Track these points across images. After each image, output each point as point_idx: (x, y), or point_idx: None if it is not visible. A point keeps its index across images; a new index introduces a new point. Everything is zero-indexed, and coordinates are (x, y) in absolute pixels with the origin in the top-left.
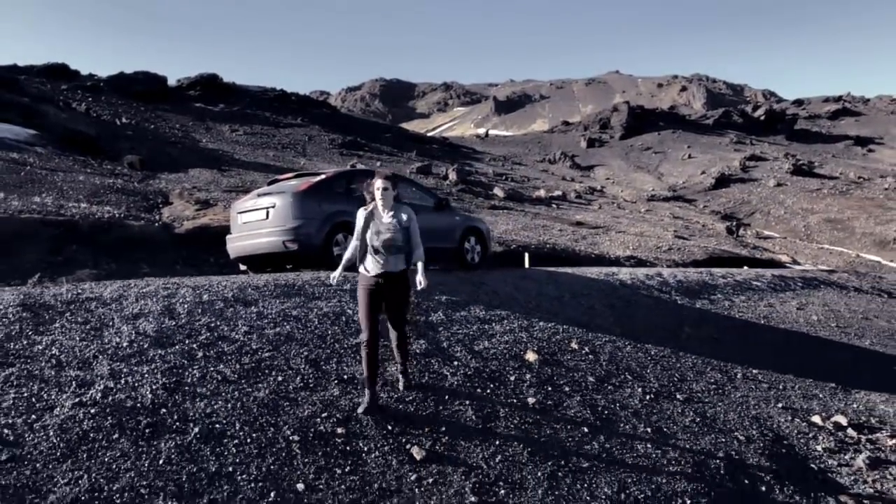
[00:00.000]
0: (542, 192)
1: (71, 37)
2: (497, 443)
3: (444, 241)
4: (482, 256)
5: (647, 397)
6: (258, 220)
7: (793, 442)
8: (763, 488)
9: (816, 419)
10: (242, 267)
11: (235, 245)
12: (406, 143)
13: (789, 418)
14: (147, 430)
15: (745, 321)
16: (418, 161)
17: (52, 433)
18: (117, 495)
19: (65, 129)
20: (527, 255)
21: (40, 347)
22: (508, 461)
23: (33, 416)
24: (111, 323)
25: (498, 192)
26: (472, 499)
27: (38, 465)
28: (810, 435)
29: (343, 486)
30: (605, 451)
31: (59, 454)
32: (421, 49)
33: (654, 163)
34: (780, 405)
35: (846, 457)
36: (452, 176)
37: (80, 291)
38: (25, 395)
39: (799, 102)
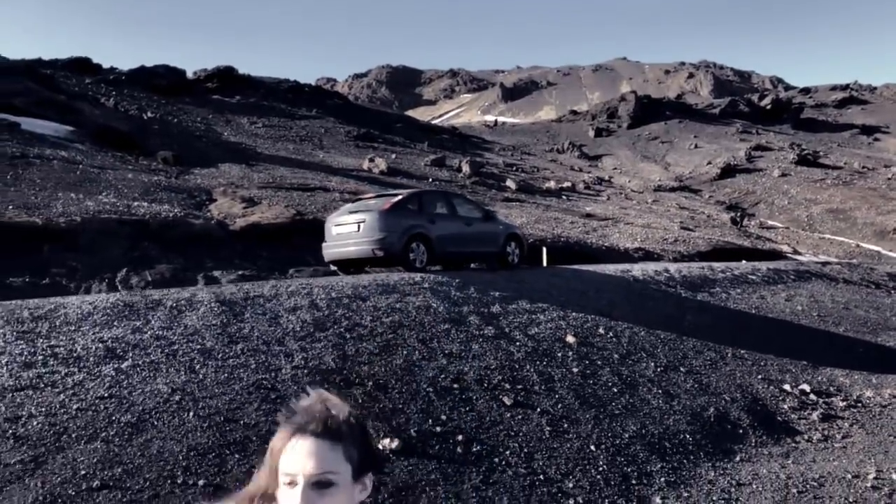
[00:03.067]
0: (552, 184)
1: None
2: (557, 396)
3: (491, 245)
4: (520, 257)
5: (659, 369)
6: (351, 231)
7: (766, 402)
8: (741, 431)
9: (787, 387)
10: (333, 268)
11: (331, 251)
12: (417, 134)
13: (766, 386)
14: (341, 383)
15: (738, 311)
16: (431, 153)
17: (287, 383)
18: None
19: (99, 125)
20: (545, 250)
21: (246, 331)
22: (567, 407)
23: (272, 374)
24: (280, 314)
25: (510, 184)
26: (548, 429)
27: (288, 396)
28: (780, 398)
29: (468, 419)
30: (629, 405)
31: (300, 391)
32: (427, 35)
33: (660, 153)
34: (759, 377)
35: (805, 413)
36: (466, 168)
37: (247, 290)
38: (260, 361)
39: (806, 91)
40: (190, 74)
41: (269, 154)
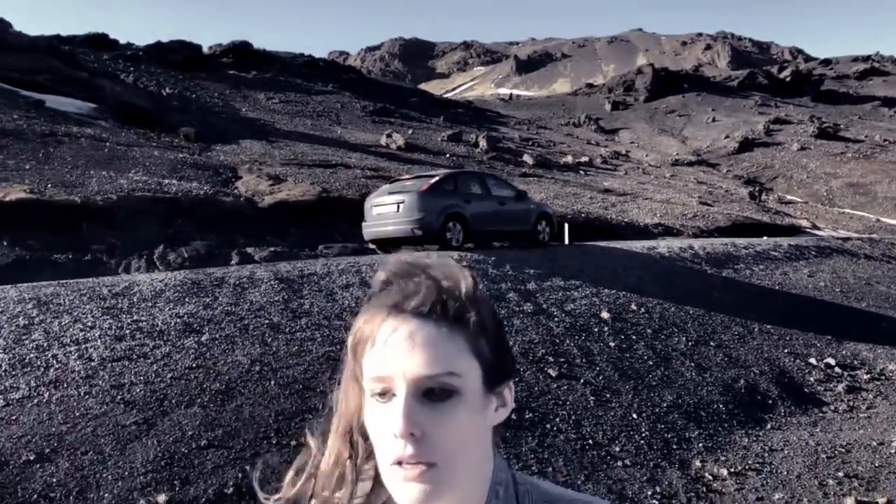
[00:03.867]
0: (569, 158)
1: (102, 3)
2: (597, 368)
3: (523, 224)
4: (550, 235)
5: (690, 344)
6: (390, 212)
7: (793, 375)
8: (770, 402)
9: (812, 361)
10: (372, 246)
11: (371, 231)
12: (432, 108)
13: (792, 360)
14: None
15: (762, 287)
16: (447, 127)
17: None
18: None
19: (121, 101)
20: (566, 226)
21: (307, 307)
22: (607, 379)
23: (337, 347)
24: (335, 290)
25: (527, 158)
26: (592, 398)
27: None
28: (806, 371)
29: (518, 389)
30: (665, 377)
31: None
32: (440, 7)
33: (678, 126)
34: (786, 351)
35: (831, 385)
36: (483, 143)
37: (301, 269)
38: (325, 334)
39: (826, 62)
40: (205, 49)
41: (287, 130)
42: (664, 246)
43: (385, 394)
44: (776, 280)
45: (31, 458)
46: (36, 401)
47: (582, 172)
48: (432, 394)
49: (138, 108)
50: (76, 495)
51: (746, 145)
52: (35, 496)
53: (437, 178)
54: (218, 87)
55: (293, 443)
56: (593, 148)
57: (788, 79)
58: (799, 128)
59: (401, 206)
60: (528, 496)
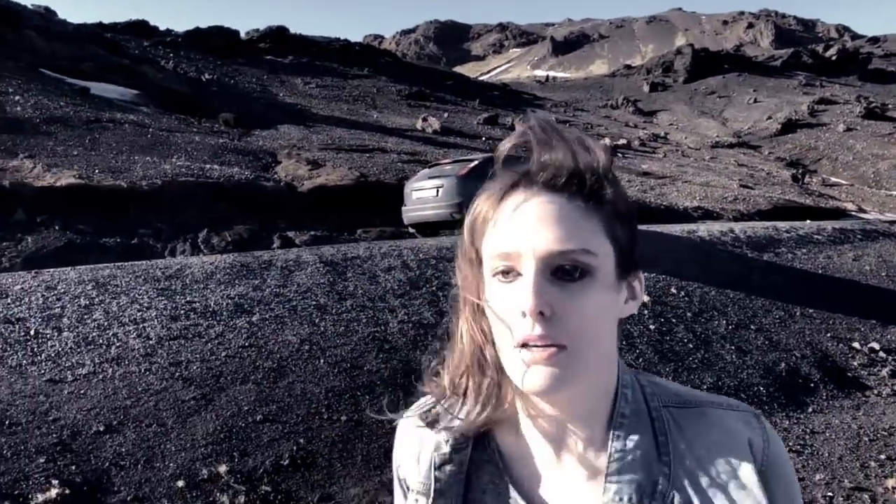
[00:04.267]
0: (606, 141)
1: None
2: (638, 350)
3: None
4: None
5: (730, 327)
6: (430, 196)
7: (836, 359)
8: (812, 385)
9: (856, 345)
10: (411, 230)
11: (410, 215)
12: (468, 91)
13: (835, 344)
14: (444, 335)
15: (805, 271)
16: (483, 111)
17: (396, 336)
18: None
19: (162, 88)
20: None
21: (351, 289)
22: (648, 361)
23: (382, 327)
24: (378, 273)
25: None
26: None
27: (399, 347)
28: (850, 355)
29: None
30: (705, 359)
31: (408, 343)
32: None
33: (718, 108)
34: (828, 335)
35: (875, 369)
36: (519, 126)
37: (344, 252)
38: (370, 316)
39: (874, 40)
40: (243, 35)
41: (324, 115)
42: (704, 229)
43: (509, 272)
44: (819, 264)
45: (101, 429)
46: (101, 376)
47: (620, 155)
48: (562, 272)
49: (179, 93)
50: (144, 464)
51: (789, 126)
52: (107, 464)
53: (475, 163)
54: (256, 73)
55: (343, 417)
56: (631, 130)
57: (834, 57)
58: (845, 108)
59: (440, 190)
60: (655, 398)
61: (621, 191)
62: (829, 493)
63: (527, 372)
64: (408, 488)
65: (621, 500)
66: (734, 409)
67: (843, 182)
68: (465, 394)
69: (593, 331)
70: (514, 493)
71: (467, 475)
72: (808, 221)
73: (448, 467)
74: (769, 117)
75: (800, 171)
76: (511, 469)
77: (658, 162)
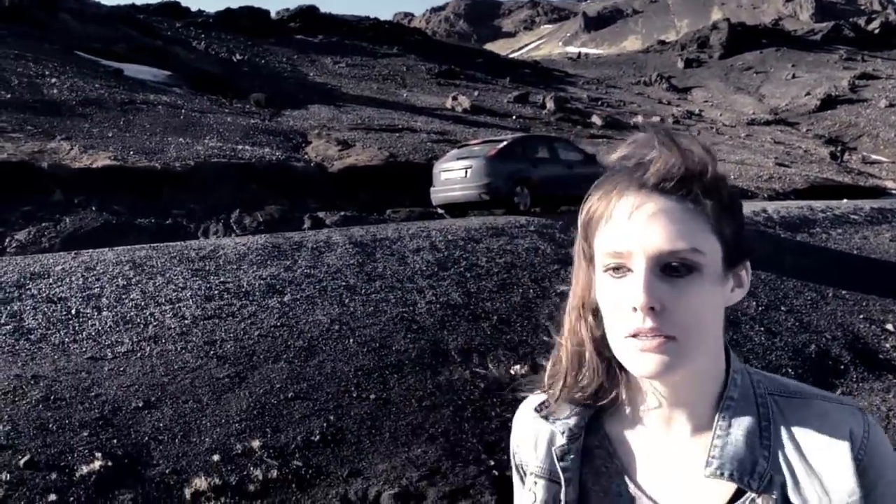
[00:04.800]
0: (639, 119)
1: None
2: None
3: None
4: None
5: (760, 308)
6: (459, 177)
7: (868, 341)
8: (842, 367)
9: (889, 327)
10: (440, 211)
11: (439, 195)
12: (498, 69)
13: (867, 325)
14: (470, 316)
15: (839, 252)
16: (513, 88)
17: (424, 316)
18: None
19: (194, 69)
20: None
21: (380, 270)
22: None
23: (410, 308)
24: (406, 255)
25: (596, 119)
26: None
27: (426, 328)
28: (882, 337)
29: None
30: (733, 340)
31: (436, 323)
32: None
33: (755, 84)
34: (861, 316)
35: None
36: (550, 104)
37: (374, 233)
38: (398, 296)
39: None
40: (273, 15)
41: (354, 94)
42: None
43: (619, 268)
44: (855, 244)
45: (140, 404)
46: (139, 354)
47: None
48: (671, 269)
49: (210, 74)
50: (181, 438)
51: (829, 103)
52: (146, 438)
53: (504, 143)
54: (286, 53)
55: (372, 395)
56: (665, 107)
57: (877, 31)
58: (888, 83)
59: (469, 171)
60: (762, 386)
61: (727, 188)
62: None
63: (639, 358)
64: (525, 472)
65: (722, 474)
66: (840, 403)
67: (884, 160)
68: (573, 385)
69: (700, 322)
70: (624, 475)
71: (583, 461)
72: (845, 201)
73: (570, 457)
74: (808, 93)
75: (839, 148)
76: (619, 453)
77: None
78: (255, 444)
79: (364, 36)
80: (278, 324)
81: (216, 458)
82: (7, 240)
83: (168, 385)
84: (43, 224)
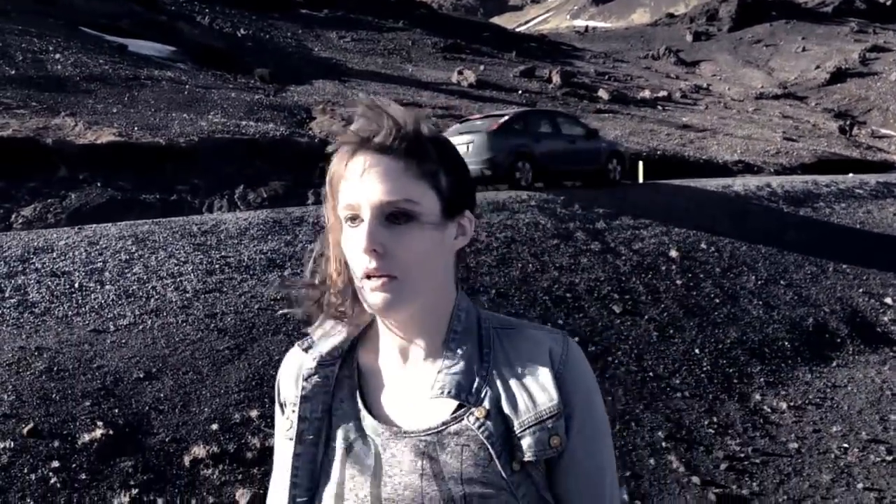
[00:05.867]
0: (646, 93)
1: None
2: (662, 305)
3: (594, 163)
4: (621, 174)
5: (759, 282)
6: (461, 152)
7: (866, 315)
8: (839, 340)
9: (888, 300)
10: None
11: None
12: (504, 43)
13: (867, 299)
14: (468, 290)
15: (842, 226)
16: (520, 63)
17: None
18: None
19: (198, 44)
20: (641, 164)
21: None
22: (672, 316)
23: None
24: None
25: (602, 94)
26: (655, 334)
27: None
28: (881, 311)
29: (581, 323)
30: (731, 315)
31: None
32: None
33: (764, 57)
34: (860, 290)
35: None
36: (556, 79)
37: None
38: None
39: None
40: None
41: (359, 69)
42: (740, 184)
43: (355, 219)
44: (858, 219)
45: (141, 375)
46: (141, 327)
47: (660, 108)
48: (393, 217)
49: (215, 49)
50: (181, 408)
51: (839, 76)
52: (147, 408)
53: (506, 118)
54: (291, 27)
55: None
56: (672, 81)
57: (889, 2)
58: None
59: (470, 146)
60: (488, 321)
61: (445, 149)
62: (845, 445)
63: (369, 296)
64: (285, 404)
65: (442, 393)
66: (544, 330)
67: (894, 133)
68: (330, 317)
69: (421, 263)
70: (359, 401)
71: (334, 390)
72: (851, 175)
73: (314, 378)
74: (818, 66)
75: (848, 122)
76: (366, 381)
77: (699, 114)
78: (254, 413)
79: (369, 10)
80: (279, 297)
81: (215, 427)
82: (13, 216)
83: (169, 357)
84: (49, 200)
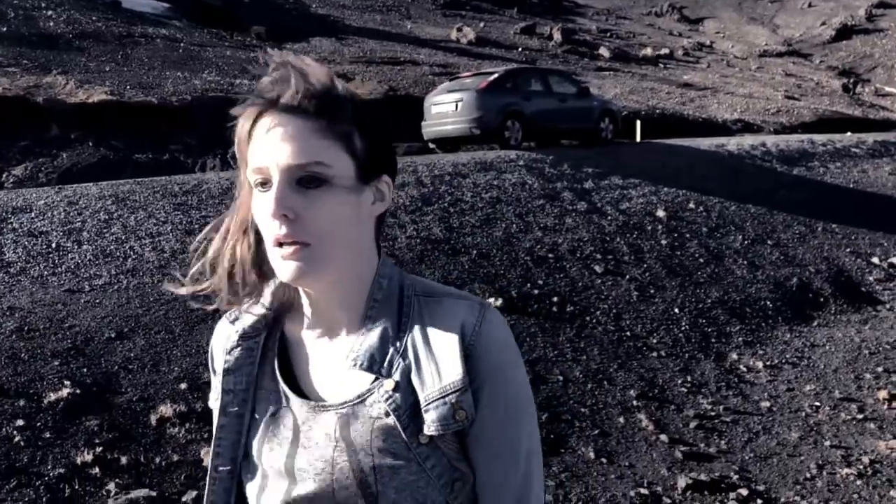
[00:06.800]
0: (648, 51)
1: None
2: (645, 265)
3: (585, 122)
4: (614, 133)
5: (746, 242)
6: (449, 111)
7: (852, 274)
8: (822, 300)
9: (875, 260)
10: (432, 146)
11: (430, 130)
12: None
13: (853, 259)
14: (449, 251)
15: (834, 185)
16: (520, 20)
17: (404, 251)
18: (434, 272)
19: (194, 0)
20: (638, 123)
21: None
22: (654, 275)
23: (390, 243)
24: None
25: (604, 52)
26: (635, 294)
27: (405, 262)
28: (867, 270)
29: (562, 284)
30: (714, 274)
31: (414, 258)
32: None
33: (769, 13)
34: (848, 250)
35: (890, 284)
36: (557, 36)
37: None
38: None
39: None
40: None
41: (356, 26)
42: (734, 143)
43: (265, 184)
44: (852, 178)
45: (113, 335)
46: (116, 287)
47: (661, 66)
48: (304, 181)
49: (210, 6)
50: (150, 368)
51: (844, 33)
52: (116, 367)
53: (495, 76)
54: None
55: None
56: (675, 39)
57: None
58: None
59: (459, 104)
60: (411, 288)
61: (359, 102)
62: (817, 403)
63: (281, 265)
64: (214, 372)
65: (355, 365)
66: (464, 300)
67: None
68: (247, 295)
69: (335, 229)
70: (277, 371)
71: (260, 361)
72: (849, 134)
73: (236, 352)
74: (823, 23)
75: (851, 80)
76: (290, 352)
77: (700, 72)
78: None
79: None
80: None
81: (183, 386)
82: (4, 175)
83: (142, 317)
84: (40, 160)
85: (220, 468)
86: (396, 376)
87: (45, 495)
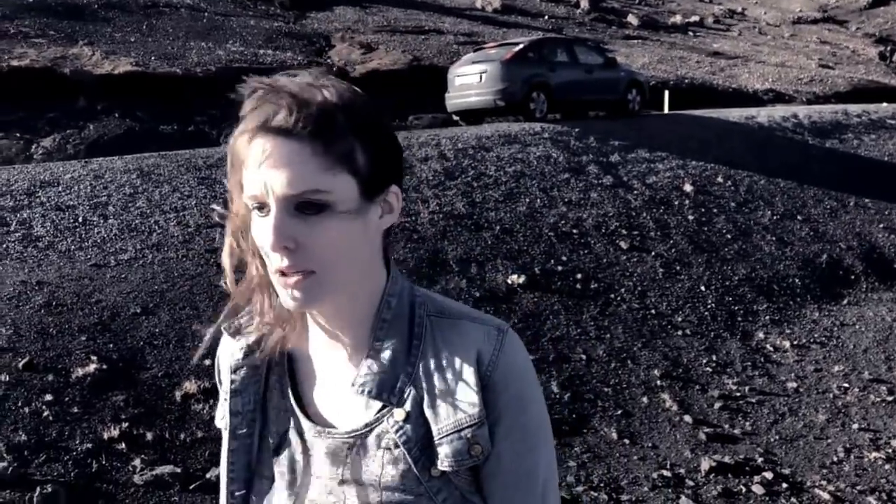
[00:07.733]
0: (678, 18)
1: None
2: (671, 241)
3: (612, 93)
4: (641, 104)
5: (775, 217)
6: (473, 82)
7: (884, 251)
8: (852, 277)
9: None
10: (456, 118)
11: (454, 102)
12: None
13: (886, 235)
14: (472, 226)
15: (869, 158)
16: None
17: (426, 226)
18: (453, 252)
19: None
20: (666, 94)
21: None
22: (679, 251)
23: (412, 218)
24: (413, 163)
25: (632, 19)
26: (661, 270)
27: (427, 238)
28: None
29: (586, 260)
30: (741, 250)
31: (437, 233)
32: None
33: None
34: (881, 226)
35: None
36: (584, 3)
37: None
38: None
39: None
40: None
41: None
42: (765, 115)
43: (263, 207)
44: (887, 151)
45: (138, 311)
46: (141, 262)
47: (691, 34)
48: (304, 207)
49: None
50: (175, 344)
51: None
52: (141, 343)
53: (520, 47)
54: None
55: None
56: (706, 6)
57: None
58: None
59: (483, 75)
60: (423, 307)
61: (359, 116)
62: (846, 384)
63: (284, 293)
64: (221, 383)
65: (363, 392)
66: (481, 323)
67: None
68: (258, 305)
69: (340, 254)
70: (289, 391)
71: (267, 377)
72: (885, 104)
73: (242, 371)
74: None
75: (889, 48)
76: (297, 370)
77: (731, 41)
78: None
79: None
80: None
81: (208, 362)
82: (34, 146)
83: (167, 292)
84: (68, 131)
85: (237, 493)
86: (407, 406)
87: (73, 470)
